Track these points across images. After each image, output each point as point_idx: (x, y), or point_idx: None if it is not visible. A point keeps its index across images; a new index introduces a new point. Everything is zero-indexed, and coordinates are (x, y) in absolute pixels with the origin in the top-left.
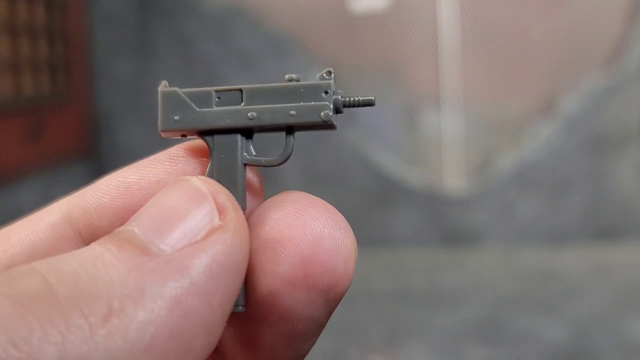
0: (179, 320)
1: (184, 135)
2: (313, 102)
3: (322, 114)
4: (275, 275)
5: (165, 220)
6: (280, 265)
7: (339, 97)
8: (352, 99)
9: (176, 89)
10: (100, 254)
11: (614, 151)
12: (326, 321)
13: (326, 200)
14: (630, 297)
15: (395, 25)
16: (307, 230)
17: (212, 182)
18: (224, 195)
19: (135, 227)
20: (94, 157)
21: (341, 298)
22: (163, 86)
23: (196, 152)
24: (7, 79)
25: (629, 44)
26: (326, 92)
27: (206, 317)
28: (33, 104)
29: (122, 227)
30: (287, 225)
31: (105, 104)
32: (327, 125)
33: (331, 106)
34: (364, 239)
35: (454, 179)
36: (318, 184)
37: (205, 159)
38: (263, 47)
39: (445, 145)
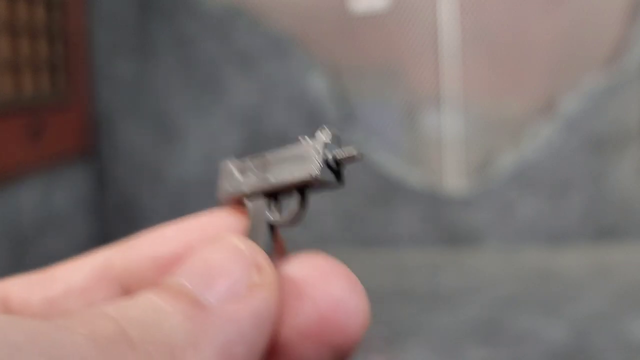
0: None
1: (239, 203)
2: (307, 163)
3: (309, 172)
4: (293, 327)
5: (211, 274)
6: (297, 319)
7: (327, 154)
8: (338, 155)
9: (229, 161)
10: (159, 304)
11: (614, 151)
12: None
13: (326, 201)
14: (630, 297)
15: (395, 25)
16: (328, 292)
17: (250, 242)
18: (261, 255)
19: (185, 280)
20: (93, 157)
21: (349, 357)
22: (225, 161)
23: (235, 211)
24: (7, 79)
25: (629, 44)
26: (318, 153)
27: None
28: (33, 104)
29: (171, 278)
30: (311, 285)
31: (105, 104)
32: (320, 182)
33: (319, 164)
34: (364, 239)
35: (454, 179)
36: None
37: (242, 217)
38: (263, 47)
39: (445, 145)
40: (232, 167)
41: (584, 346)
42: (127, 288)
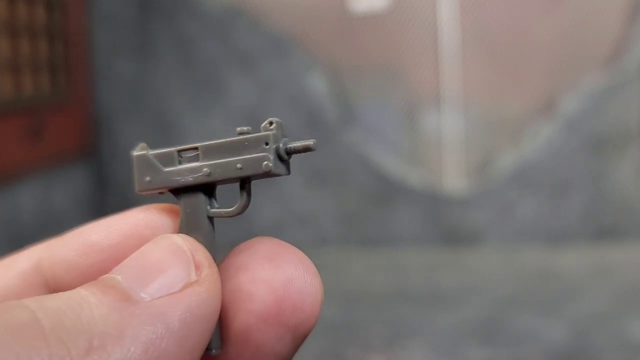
0: None
1: (161, 193)
2: (256, 154)
3: (263, 164)
4: (250, 312)
5: (147, 271)
6: (254, 303)
7: (280, 146)
8: (292, 146)
9: (146, 152)
10: (85, 296)
11: (614, 151)
12: (291, 358)
13: (326, 201)
14: (630, 297)
15: (395, 26)
16: (280, 272)
17: (192, 241)
18: (201, 252)
19: (118, 275)
20: (94, 157)
21: (307, 335)
22: (138, 149)
23: (167, 210)
24: (7, 79)
25: (629, 44)
26: (266, 144)
27: (177, 359)
28: (33, 104)
29: (106, 275)
30: (261, 267)
31: (105, 104)
32: (274, 174)
33: (271, 157)
34: (364, 239)
35: (454, 179)
36: (318, 184)
37: (173, 216)
38: (263, 47)
39: (445, 145)
40: (152, 158)
41: (584, 346)
42: (55, 291)
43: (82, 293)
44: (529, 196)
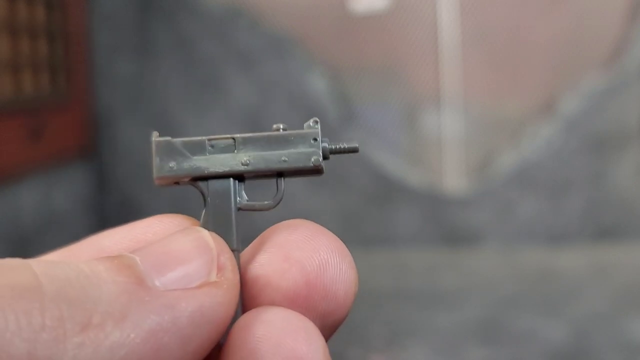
0: (151, 353)
1: (177, 183)
2: (303, 149)
3: (312, 159)
4: (278, 289)
5: (167, 259)
6: (284, 281)
7: (327, 145)
8: (338, 146)
9: (169, 138)
10: (99, 271)
11: (614, 151)
12: None
13: (326, 200)
14: (630, 297)
15: (395, 26)
16: (316, 255)
17: (221, 241)
18: (228, 255)
19: (138, 256)
20: (93, 157)
21: (337, 327)
22: (155, 136)
23: (181, 219)
24: (7, 79)
25: (629, 44)
26: (315, 139)
27: (177, 357)
28: (33, 104)
29: (126, 253)
30: (297, 247)
31: (105, 104)
32: (316, 171)
33: (320, 152)
34: (364, 239)
35: (454, 179)
36: (318, 184)
37: (186, 223)
38: (263, 47)
39: (445, 145)
40: (178, 144)
41: (584, 346)
42: None
43: (96, 266)
44: (529, 196)
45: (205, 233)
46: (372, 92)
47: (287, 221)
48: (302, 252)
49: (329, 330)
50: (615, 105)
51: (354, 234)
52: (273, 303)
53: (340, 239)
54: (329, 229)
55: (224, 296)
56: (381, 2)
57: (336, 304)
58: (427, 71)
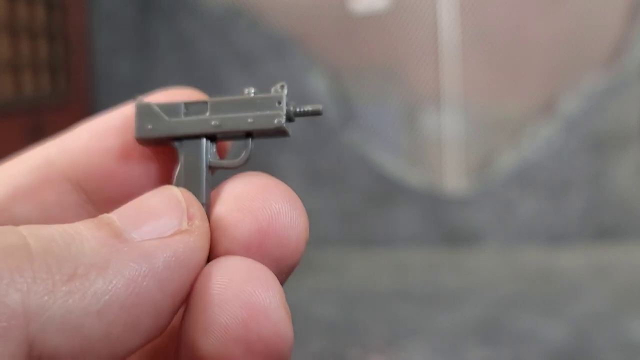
0: (132, 297)
1: (156, 145)
2: (269, 112)
3: (275, 121)
4: (233, 239)
5: (142, 215)
6: (238, 231)
7: (290, 108)
8: (302, 109)
9: (149, 102)
10: (81, 230)
11: (614, 151)
12: None
13: (326, 200)
14: (630, 297)
15: (395, 26)
16: (267, 205)
17: (189, 195)
18: (196, 206)
19: (115, 216)
20: None
21: (291, 271)
22: (138, 100)
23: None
24: (7, 79)
25: (629, 44)
26: (279, 103)
27: (157, 299)
28: (33, 104)
29: (104, 214)
30: (250, 198)
31: (105, 104)
32: (280, 132)
33: (283, 114)
34: (364, 239)
35: (454, 179)
36: (318, 184)
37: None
38: (263, 47)
39: (445, 145)
40: (155, 107)
41: (584, 346)
42: (76, 182)
43: (78, 227)
44: (529, 196)
45: (175, 189)
46: (372, 92)
47: (242, 173)
48: (254, 203)
49: (284, 274)
50: (615, 105)
51: (353, 233)
52: (231, 252)
53: (340, 238)
54: (329, 228)
55: (195, 242)
56: (381, 2)
57: (289, 250)
58: (427, 71)
